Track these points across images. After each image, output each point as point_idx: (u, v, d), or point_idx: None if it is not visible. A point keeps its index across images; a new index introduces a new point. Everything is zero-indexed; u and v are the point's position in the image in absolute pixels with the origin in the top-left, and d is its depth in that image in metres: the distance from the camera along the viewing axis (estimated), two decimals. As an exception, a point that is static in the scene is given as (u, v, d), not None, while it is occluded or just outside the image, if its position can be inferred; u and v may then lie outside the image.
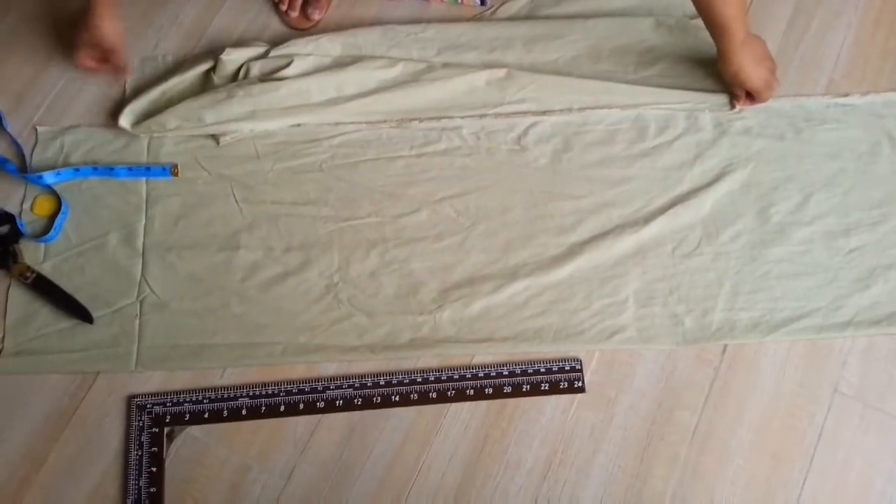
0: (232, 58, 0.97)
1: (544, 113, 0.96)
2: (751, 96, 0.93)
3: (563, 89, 0.96)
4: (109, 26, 0.92)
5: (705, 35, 0.89)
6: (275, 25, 1.04)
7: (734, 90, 0.93)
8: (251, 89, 0.94)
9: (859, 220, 0.90)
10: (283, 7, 1.02)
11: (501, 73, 0.96)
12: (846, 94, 0.97)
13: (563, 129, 0.95)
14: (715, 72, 0.94)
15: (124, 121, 0.95)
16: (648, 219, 0.91)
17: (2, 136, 0.97)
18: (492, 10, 1.03)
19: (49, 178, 0.92)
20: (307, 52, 0.97)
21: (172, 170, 0.93)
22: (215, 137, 0.95)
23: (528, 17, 1.02)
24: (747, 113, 0.96)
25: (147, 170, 0.94)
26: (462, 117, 0.95)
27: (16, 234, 0.90)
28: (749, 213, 0.91)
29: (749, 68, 0.89)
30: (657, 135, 0.95)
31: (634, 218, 0.91)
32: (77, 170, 0.93)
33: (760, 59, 0.91)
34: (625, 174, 0.93)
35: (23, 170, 0.94)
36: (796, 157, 0.93)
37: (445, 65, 0.97)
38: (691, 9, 0.98)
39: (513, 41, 0.99)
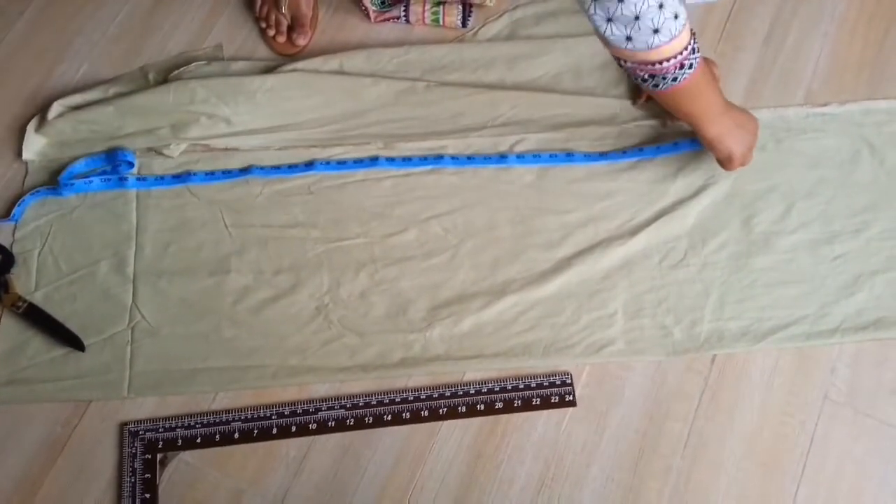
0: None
1: (529, 130, 0.97)
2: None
3: (546, 107, 0.97)
4: None
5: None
6: (262, 51, 1.05)
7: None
8: (236, 107, 0.95)
9: (842, 227, 0.91)
10: (270, 33, 1.04)
11: (485, 95, 0.97)
12: (825, 104, 0.98)
13: (547, 145, 0.97)
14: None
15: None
16: (634, 232, 0.91)
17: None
18: (473, 31, 1.04)
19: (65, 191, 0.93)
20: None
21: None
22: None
23: (509, 37, 1.03)
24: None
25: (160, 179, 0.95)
26: (449, 139, 0.97)
27: (7, 264, 0.91)
28: (733, 224, 0.92)
29: (725, 139, 0.85)
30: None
31: (620, 231, 0.92)
32: (89, 181, 0.94)
33: (736, 127, 0.85)
34: (610, 188, 0.94)
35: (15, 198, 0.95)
36: (778, 167, 0.95)
37: (428, 86, 0.98)
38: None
39: (495, 61, 1.00)
